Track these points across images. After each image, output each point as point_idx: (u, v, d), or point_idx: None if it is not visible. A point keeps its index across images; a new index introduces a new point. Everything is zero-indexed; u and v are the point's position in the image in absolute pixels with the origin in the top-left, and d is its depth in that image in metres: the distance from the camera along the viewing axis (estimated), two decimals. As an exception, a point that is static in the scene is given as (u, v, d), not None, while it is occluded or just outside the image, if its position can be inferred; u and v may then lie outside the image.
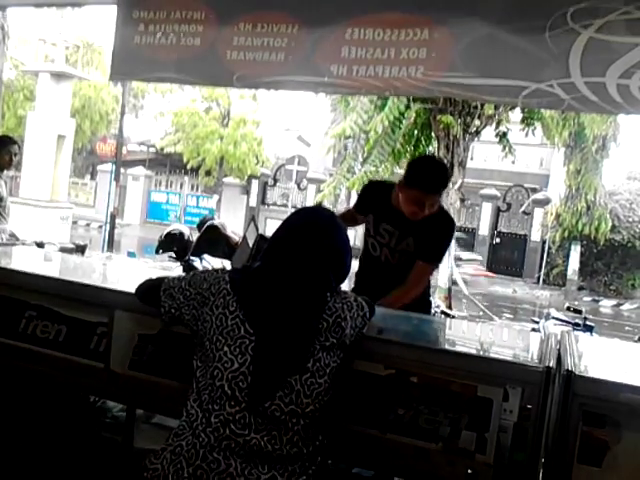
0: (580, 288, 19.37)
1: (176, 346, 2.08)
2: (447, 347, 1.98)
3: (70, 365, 2.29)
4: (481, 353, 2.02)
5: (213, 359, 1.67)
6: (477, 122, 11.09)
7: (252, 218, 3.18)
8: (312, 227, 1.82)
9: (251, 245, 2.64)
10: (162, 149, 25.22)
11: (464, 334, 2.39)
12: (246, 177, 24.33)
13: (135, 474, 1.72)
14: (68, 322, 2.30)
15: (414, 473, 1.87)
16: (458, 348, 1.97)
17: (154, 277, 1.96)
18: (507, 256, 20.71)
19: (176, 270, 5.79)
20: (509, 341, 2.38)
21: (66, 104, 14.65)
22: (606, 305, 18.06)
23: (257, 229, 2.81)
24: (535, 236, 20.20)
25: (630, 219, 19.11)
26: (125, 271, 3.48)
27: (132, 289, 2.01)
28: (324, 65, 3.14)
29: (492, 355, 2.01)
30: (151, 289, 1.91)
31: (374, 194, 3.18)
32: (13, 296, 2.41)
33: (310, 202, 22.06)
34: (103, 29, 23.58)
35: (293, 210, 1.96)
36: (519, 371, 1.77)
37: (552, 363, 1.77)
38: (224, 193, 24.53)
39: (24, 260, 3.13)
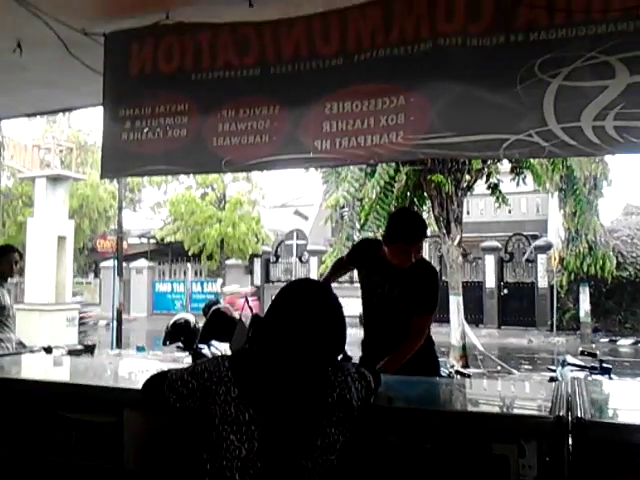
0: (595, 330, 19.10)
1: (187, 439, 2.04)
2: (456, 408, 1.94)
3: (82, 469, 2.24)
4: (490, 410, 1.98)
5: (221, 449, 1.65)
6: (467, 177, 11.25)
7: (245, 298, 3.19)
8: (305, 303, 1.82)
9: (247, 326, 2.64)
10: (162, 239, 25.43)
11: (473, 392, 2.35)
12: (248, 256, 24.44)
13: None
14: (77, 426, 2.27)
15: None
16: (467, 408, 1.94)
17: (157, 372, 1.95)
18: (517, 306, 20.52)
19: (185, 360, 5.74)
20: (521, 394, 2.34)
21: (64, 206, 14.88)
22: (624, 344, 17.75)
23: (251, 309, 2.81)
24: (542, 283, 20.09)
25: (634, 254, 19.06)
26: (133, 368, 3.45)
27: (139, 386, 2.00)
28: (308, 141, 3.21)
29: (502, 411, 1.98)
30: (155, 385, 1.90)
31: (365, 250, 3.46)
32: (22, 404, 2.39)
33: (313, 274, 22.08)
34: (95, 128, 24.28)
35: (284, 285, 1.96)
36: (531, 424, 1.73)
37: (563, 412, 1.74)
38: (228, 275, 24.58)
39: (32, 368, 3.13)
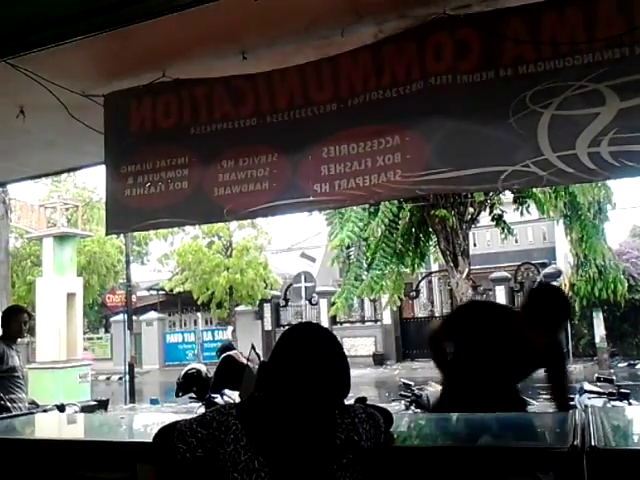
0: (612, 355, 18.86)
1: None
2: (470, 444, 1.92)
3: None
4: (505, 444, 1.96)
5: None
6: (471, 210, 11.30)
7: (252, 346, 3.18)
8: (307, 347, 1.82)
9: (255, 373, 2.63)
10: (171, 290, 25.44)
11: (489, 426, 2.33)
12: (257, 302, 24.39)
13: None
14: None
15: None
16: (482, 442, 1.92)
17: (168, 423, 1.95)
18: (531, 335, 20.29)
19: (198, 410, 5.70)
20: (538, 425, 2.32)
21: (72, 263, 14.98)
22: (643, 368, 17.50)
23: (258, 356, 2.81)
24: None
25: (643, 275, 18.93)
26: (146, 421, 3.43)
27: (150, 439, 1.99)
28: (307, 186, 3.25)
29: (517, 444, 1.96)
30: (165, 436, 1.89)
31: (484, 316, 3.20)
32: (36, 464, 2.38)
33: (324, 316, 21.99)
34: (100, 185, 24.56)
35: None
36: (547, 455, 1.72)
37: (578, 441, 1.72)
38: (238, 322, 24.51)
39: (45, 427, 3.12)
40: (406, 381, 7.42)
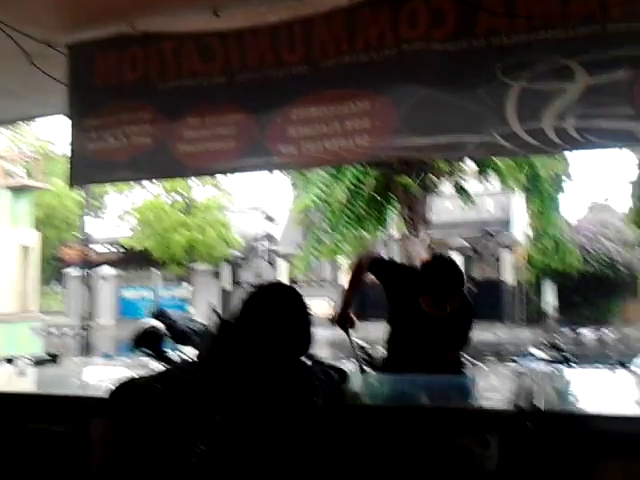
0: (560, 322, 19.49)
1: (156, 446, 2.03)
2: (421, 404, 1.98)
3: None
4: (453, 405, 2.03)
5: (187, 453, 1.66)
6: (434, 178, 11.37)
7: (212, 306, 3.18)
8: (268, 306, 1.84)
9: (216, 333, 2.63)
10: (130, 246, 25.15)
11: (436, 387, 2.39)
12: (217, 261, 24.32)
13: None
14: (43, 437, 2.25)
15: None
16: (431, 403, 1.98)
17: (124, 379, 1.94)
18: (485, 302, 20.78)
19: (153, 366, 5.69)
20: (485, 387, 2.40)
21: (29, 216, 14.67)
22: (586, 335, 18.17)
23: (218, 315, 2.81)
24: (509, 279, 20.42)
25: (597, 249, 19.50)
26: (99, 376, 3.42)
27: (104, 394, 1.99)
28: (273, 146, 3.22)
29: (465, 405, 2.03)
30: (121, 391, 1.89)
31: (406, 283, 3.22)
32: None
33: (283, 277, 22.07)
34: (62, 138, 23.92)
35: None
36: (494, 417, 1.78)
37: (524, 403, 1.79)
38: (196, 280, 24.43)
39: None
40: (360, 342, 7.52)
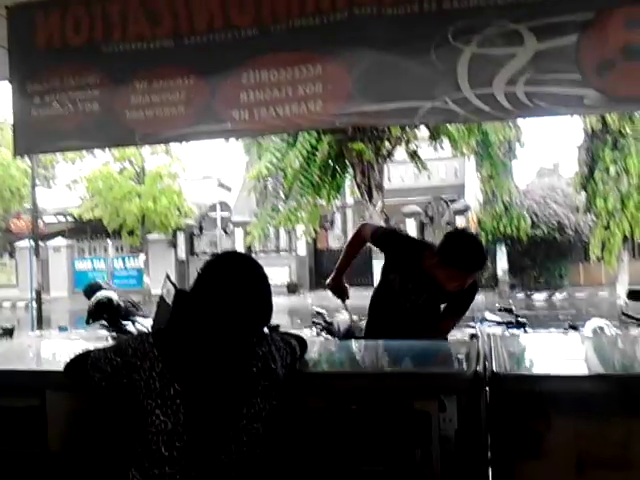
0: (512, 286, 19.99)
1: (114, 417, 2.03)
2: (378, 370, 2.02)
3: (6, 455, 2.19)
4: (411, 369, 2.07)
5: (147, 424, 1.67)
6: (387, 144, 11.41)
7: (166, 276, 3.14)
8: (226, 275, 1.83)
9: (170, 302, 2.61)
10: (80, 216, 24.59)
11: (394, 352, 2.44)
12: (171, 231, 24.03)
13: None
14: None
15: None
16: (389, 369, 2.02)
17: (81, 351, 1.92)
18: (439, 267, 21.13)
19: (109, 338, 5.64)
20: (441, 351, 2.45)
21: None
22: (538, 299, 18.70)
23: (174, 285, 2.78)
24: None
25: (546, 213, 19.96)
26: (55, 349, 3.37)
27: (61, 367, 1.97)
28: (225, 112, 3.17)
29: (422, 370, 2.08)
30: (78, 364, 1.87)
31: (405, 254, 3.20)
32: None
33: (239, 246, 21.98)
34: (5, 105, 23.06)
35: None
36: (450, 380, 1.83)
37: (480, 367, 1.84)
38: (150, 250, 24.12)
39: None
40: (318, 309, 7.59)
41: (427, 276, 3.09)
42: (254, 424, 1.68)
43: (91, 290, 6.23)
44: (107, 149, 20.60)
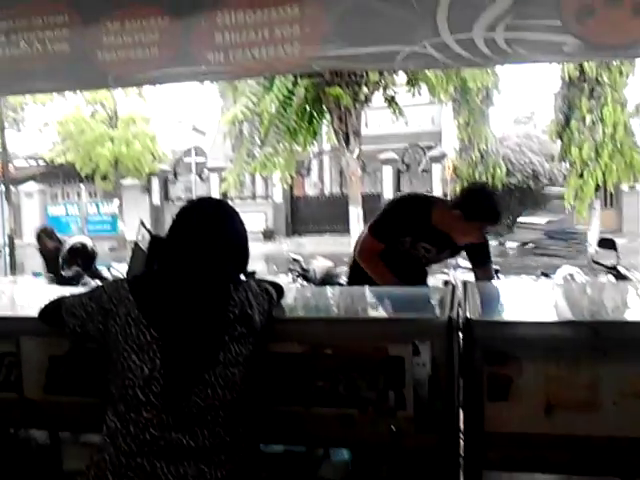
0: (486, 233, 20.19)
1: (89, 363, 2.04)
2: (353, 315, 2.04)
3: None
4: (386, 315, 2.10)
5: (123, 369, 1.67)
6: (365, 90, 11.27)
7: (141, 222, 3.12)
8: (203, 221, 1.81)
9: (145, 249, 2.59)
10: (52, 161, 24.12)
11: (371, 298, 2.47)
12: (145, 176, 23.73)
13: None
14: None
15: (342, 440, 1.95)
16: (364, 314, 2.04)
17: (55, 297, 1.91)
18: (415, 215, 21.23)
19: (84, 283, 5.61)
20: (416, 298, 2.48)
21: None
22: (512, 246, 18.96)
23: (149, 231, 2.76)
24: (437, 191, 20.84)
25: (522, 161, 20.06)
26: (30, 294, 3.35)
27: (35, 313, 1.96)
28: (200, 54, 3.10)
29: (397, 315, 2.11)
30: (53, 310, 1.86)
31: (413, 216, 3.19)
32: None
33: (215, 192, 21.81)
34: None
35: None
36: (424, 325, 1.87)
37: (454, 313, 1.88)
38: (124, 195, 23.84)
39: None
40: (294, 256, 7.62)
41: (437, 232, 3.16)
42: (230, 369, 1.69)
43: (47, 236, 6.17)
44: (79, 92, 20.10)
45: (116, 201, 23.54)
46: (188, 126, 28.01)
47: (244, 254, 1.88)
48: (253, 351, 1.77)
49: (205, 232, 1.79)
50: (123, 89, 20.31)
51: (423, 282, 3.49)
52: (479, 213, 3.04)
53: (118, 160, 23.03)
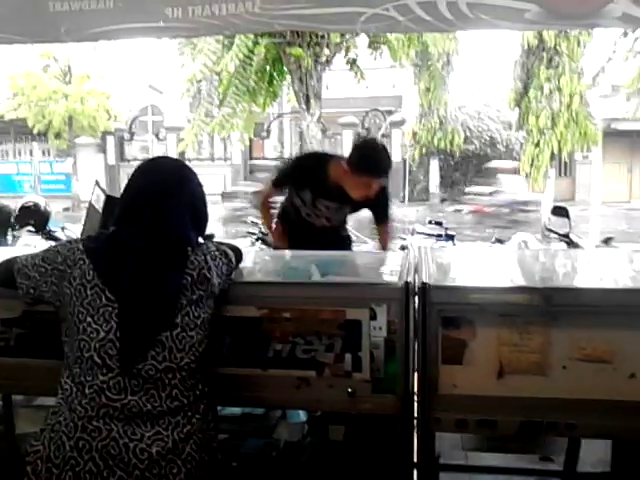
0: (443, 200, 20.44)
1: (43, 325, 2.00)
2: (311, 279, 2.05)
3: None
4: (344, 280, 2.11)
5: (78, 332, 1.64)
6: (327, 51, 11.14)
7: (96, 182, 3.04)
8: (160, 181, 1.77)
9: (100, 209, 2.54)
10: (2, 116, 23.29)
11: (332, 263, 2.48)
12: (100, 134, 23.15)
13: (19, 460, 1.68)
14: None
15: (299, 402, 1.97)
16: (322, 278, 2.05)
17: (6, 258, 1.85)
18: (374, 179, 21.29)
19: (38, 244, 5.48)
20: (373, 263, 2.50)
21: None
22: (466, 213, 19.22)
23: (104, 191, 2.70)
24: (396, 157, 20.91)
25: (480, 129, 20.26)
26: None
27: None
28: (157, 8, 2.99)
29: (355, 280, 2.13)
30: (4, 272, 1.81)
31: (311, 170, 3.35)
32: None
33: (172, 152, 21.44)
34: None
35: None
36: (381, 290, 1.89)
37: (410, 278, 1.90)
38: (79, 154, 23.26)
39: None
40: (253, 219, 7.58)
41: (335, 187, 3.25)
42: (189, 332, 1.68)
43: None
44: (30, 44, 19.32)
45: (70, 160, 22.95)
46: (145, 84, 27.31)
47: (203, 216, 1.84)
48: (211, 314, 1.76)
49: (162, 193, 1.74)
50: (77, 44, 19.63)
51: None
52: (364, 166, 3.13)
53: (72, 117, 22.39)
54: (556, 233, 5.71)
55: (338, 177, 3.24)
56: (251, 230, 7.26)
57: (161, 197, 1.73)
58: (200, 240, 1.84)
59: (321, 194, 3.34)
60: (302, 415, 2.53)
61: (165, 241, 1.71)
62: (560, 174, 19.75)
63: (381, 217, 3.51)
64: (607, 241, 6.62)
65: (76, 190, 21.97)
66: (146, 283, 1.66)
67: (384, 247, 3.48)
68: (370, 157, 3.18)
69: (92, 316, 1.63)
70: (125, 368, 1.62)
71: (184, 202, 1.77)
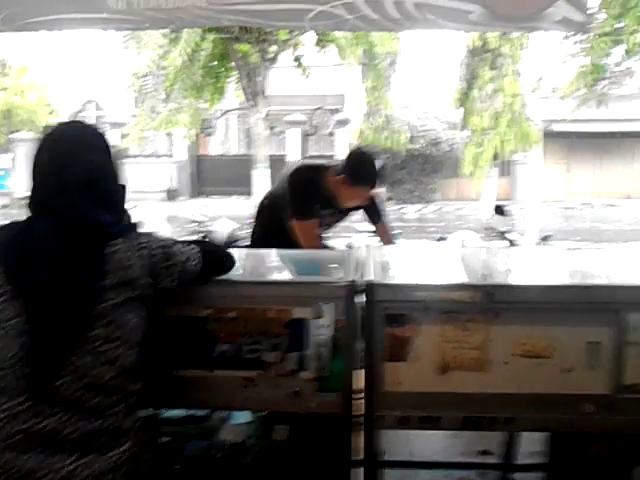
0: (388, 199, 20.64)
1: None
2: (258, 278, 2.04)
3: None
4: (290, 278, 2.11)
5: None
6: (274, 48, 11.10)
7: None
8: (53, 155, 1.53)
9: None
10: None
11: (278, 261, 2.47)
12: (40, 129, 22.46)
13: None
14: None
15: (245, 403, 1.95)
16: (269, 277, 2.04)
17: None
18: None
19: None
20: (319, 261, 2.51)
21: None
22: (411, 211, 19.52)
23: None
24: (343, 155, 20.99)
25: (425, 128, 20.55)
26: None
27: None
28: (100, 0, 2.92)
29: (300, 278, 2.13)
30: None
31: (313, 184, 3.26)
32: None
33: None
34: None
35: None
36: (327, 289, 1.89)
37: (356, 276, 1.91)
38: (17, 149, 22.47)
39: None
40: (196, 217, 7.49)
41: (330, 197, 3.25)
42: (113, 343, 1.48)
43: None
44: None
45: (9, 154, 22.20)
46: (86, 76, 26.65)
47: (110, 192, 1.56)
48: (145, 316, 1.56)
49: (56, 168, 1.50)
50: (15, 34, 18.99)
51: None
52: (363, 177, 3.17)
53: (10, 111, 21.65)
54: (497, 231, 5.84)
55: (334, 189, 3.23)
56: (197, 228, 7.18)
57: (55, 173, 1.50)
58: (125, 227, 1.58)
59: (323, 205, 3.30)
60: (247, 416, 2.51)
61: (71, 230, 1.48)
62: (502, 173, 20.18)
63: (376, 217, 3.60)
64: (546, 239, 6.83)
65: (13, 187, 21.25)
66: (55, 291, 1.44)
67: (388, 243, 3.58)
68: (369, 169, 3.20)
69: (3, 329, 1.43)
70: (36, 390, 1.41)
71: (79, 176, 1.51)
